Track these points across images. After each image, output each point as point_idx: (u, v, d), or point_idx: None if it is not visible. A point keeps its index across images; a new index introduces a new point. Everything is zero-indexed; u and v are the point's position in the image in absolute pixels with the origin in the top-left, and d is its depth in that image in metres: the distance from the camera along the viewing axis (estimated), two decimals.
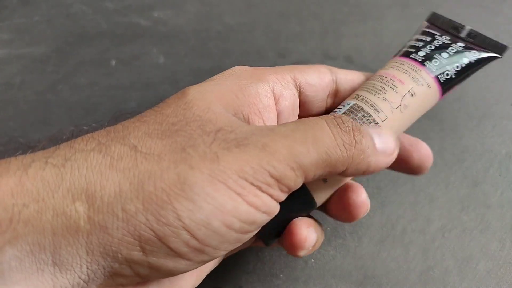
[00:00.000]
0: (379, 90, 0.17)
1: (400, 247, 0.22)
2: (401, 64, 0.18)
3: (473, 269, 0.21)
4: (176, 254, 0.12)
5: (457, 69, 0.18)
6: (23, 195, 0.11)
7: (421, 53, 0.18)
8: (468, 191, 0.24)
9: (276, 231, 0.17)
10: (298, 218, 0.17)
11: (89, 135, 0.13)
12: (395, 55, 0.19)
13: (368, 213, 0.23)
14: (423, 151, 0.18)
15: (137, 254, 0.12)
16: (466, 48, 0.18)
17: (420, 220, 0.23)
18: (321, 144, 0.13)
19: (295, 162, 0.13)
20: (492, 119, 0.27)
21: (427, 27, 0.20)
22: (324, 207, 0.18)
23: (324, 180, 0.17)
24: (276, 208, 0.14)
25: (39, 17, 0.33)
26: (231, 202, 0.12)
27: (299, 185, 0.14)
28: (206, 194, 0.12)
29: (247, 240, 0.14)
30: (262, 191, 0.13)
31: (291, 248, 0.16)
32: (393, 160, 0.16)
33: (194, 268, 0.13)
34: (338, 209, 0.17)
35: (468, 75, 0.18)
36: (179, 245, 0.12)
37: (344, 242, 0.22)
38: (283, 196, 0.14)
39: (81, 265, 0.12)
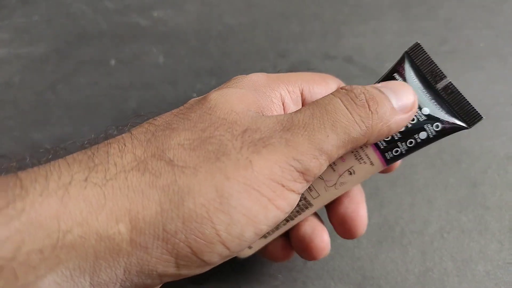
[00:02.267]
0: None
1: (398, 248, 0.22)
2: None
3: (472, 270, 0.21)
4: (206, 264, 0.13)
5: (410, 145, 0.16)
6: (66, 218, 0.11)
7: None
8: (466, 192, 0.24)
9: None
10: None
11: (120, 142, 0.13)
12: None
13: (367, 214, 0.23)
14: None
15: (171, 270, 0.12)
16: (430, 118, 0.15)
17: (419, 222, 0.23)
18: (339, 125, 0.14)
19: (317, 150, 0.13)
20: (491, 120, 0.27)
21: (399, 71, 0.16)
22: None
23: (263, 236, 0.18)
24: (295, 204, 0.14)
25: (38, 16, 0.33)
26: (263, 211, 0.13)
27: (324, 169, 0.14)
28: (242, 206, 0.12)
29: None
30: (290, 189, 0.13)
31: (316, 255, 0.18)
32: (414, 113, 0.15)
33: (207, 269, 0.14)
34: (299, 247, 0.18)
35: (421, 147, 0.16)
36: (212, 257, 0.13)
37: (342, 243, 0.22)
38: (305, 187, 0.14)
39: (115, 284, 0.12)
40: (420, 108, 0.16)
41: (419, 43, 0.16)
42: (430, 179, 0.25)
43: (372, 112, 0.14)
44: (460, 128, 0.16)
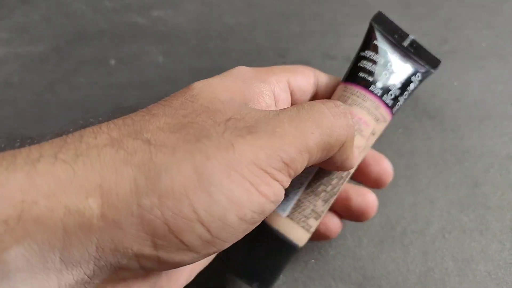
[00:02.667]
0: None
1: (400, 248, 0.22)
2: (363, 100, 0.18)
3: (473, 270, 0.21)
4: (187, 247, 0.12)
5: (405, 97, 0.19)
6: (32, 191, 0.11)
7: (379, 85, 0.18)
8: (468, 192, 0.24)
9: (268, 282, 0.18)
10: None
11: (96, 127, 0.13)
12: (352, 80, 0.19)
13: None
14: (383, 166, 0.20)
15: (148, 250, 0.12)
16: (413, 72, 0.19)
17: (420, 221, 0.23)
18: (323, 125, 0.14)
19: (302, 145, 0.13)
20: (493, 120, 0.27)
21: (375, 37, 0.19)
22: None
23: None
24: (282, 197, 0.14)
25: (38, 16, 0.33)
26: (246, 194, 0.12)
27: (303, 167, 0.14)
28: (222, 186, 0.12)
29: (250, 230, 0.14)
30: (274, 178, 0.13)
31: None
32: (355, 165, 0.18)
33: (198, 260, 0.13)
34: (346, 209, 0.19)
35: (408, 99, 0.19)
36: (192, 238, 0.12)
37: (344, 243, 0.22)
38: (288, 182, 0.14)
39: (88, 262, 0.11)
40: (405, 63, 0.19)
41: (380, 11, 0.20)
42: (432, 179, 0.24)
43: (349, 124, 0.15)
44: (429, 73, 0.20)
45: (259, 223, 0.14)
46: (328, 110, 0.14)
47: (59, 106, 0.28)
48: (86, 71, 0.30)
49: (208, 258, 0.17)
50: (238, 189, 0.12)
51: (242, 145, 0.12)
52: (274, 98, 0.17)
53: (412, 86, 0.19)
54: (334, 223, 0.20)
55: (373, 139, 0.19)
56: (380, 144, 0.26)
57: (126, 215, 0.11)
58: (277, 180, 0.13)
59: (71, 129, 0.13)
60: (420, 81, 0.19)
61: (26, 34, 0.32)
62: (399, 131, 0.27)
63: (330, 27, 0.32)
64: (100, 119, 0.14)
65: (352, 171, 0.19)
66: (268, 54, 0.31)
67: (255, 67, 0.17)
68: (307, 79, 0.19)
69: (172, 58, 0.30)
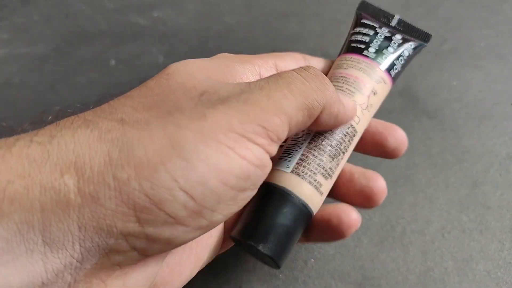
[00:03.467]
0: (348, 93, 0.18)
1: (399, 248, 0.22)
2: (357, 63, 0.19)
3: (472, 270, 0.21)
4: (173, 219, 0.12)
5: (402, 63, 0.20)
6: (6, 172, 0.11)
7: (372, 50, 0.19)
8: (468, 191, 0.24)
9: (283, 251, 0.16)
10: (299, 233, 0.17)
11: (74, 115, 0.13)
12: (345, 52, 0.20)
13: (368, 213, 0.23)
14: (397, 135, 0.19)
15: (132, 226, 0.11)
16: (404, 40, 0.20)
17: (420, 221, 0.23)
18: (296, 88, 0.14)
19: (276, 108, 0.13)
20: (492, 120, 0.27)
21: (364, 17, 0.21)
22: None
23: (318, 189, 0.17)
24: (268, 162, 0.14)
25: (38, 16, 0.33)
26: (225, 158, 0.12)
27: (285, 131, 0.14)
28: (199, 152, 0.12)
29: (243, 201, 0.13)
30: (253, 142, 0.13)
31: (346, 231, 0.17)
32: (353, 116, 0.17)
33: (193, 237, 0.13)
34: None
35: (406, 66, 0.20)
36: (176, 208, 0.11)
37: (343, 242, 0.22)
38: (274, 147, 0.14)
39: (73, 243, 0.11)
40: (394, 35, 0.20)
41: (364, 0, 0.22)
42: (432, 179, 0.25)
43: (327, 85, 0.15)
44: (422, 46, 0.20)
45: (252, 190, 0.13)
46: (298, 74, 0.15)
47: (59, 106, 0.28)
48: (86, 71, 0.30)
49: (210, 251, 0.17)
50: (216, 154, 0.12)
51: (214, 114, 0.12)
52: (260, 78, 0.17)
53: (406, 52, 0.20)
54: (348, 215, 0.17)
55: (376, 99, 0.19)
56: None
57: (103, 188, 0.11)
58: (256, 144, 0.13)
59: (49, 117, 0.13)
60: (414, 50, 0.20)
61: (26, 34, 0.32)
62: None
63: (330, 27, 0.32)
64: (91, 106, 0.14)
65: (358, 128, 0.18)
66: None
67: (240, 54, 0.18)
68: (296, 61, 0.19)
69: (172, 58, 0.30)
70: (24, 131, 0.12)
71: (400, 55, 0.19)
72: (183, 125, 0.12)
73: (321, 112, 0.15)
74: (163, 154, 0.11)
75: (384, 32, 0.20)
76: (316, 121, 0.15)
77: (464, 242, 0.22)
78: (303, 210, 0.16)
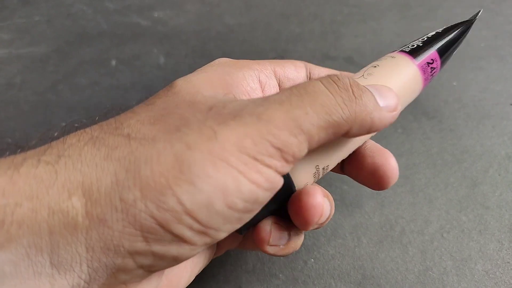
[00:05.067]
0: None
1: (399, 247, 0.22)
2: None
3: (471, 269, 0.22)
4: (180, 239, 0.12)
5: (423, 39, 0.18)
6: (15, 194, 0.11)
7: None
8: (467, 191, 0.24)
9: (250, 221, 0.14)
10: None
11: (81, 131, 0.13)
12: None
13: (368, 213, 0.23)
14: (391, 166, 0.17)
15: (140, 245, 0.11)
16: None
17: (419, 221, 0.23)
18: (320, 104, 0.13)
19: (295, 127, 0.12)
20: (491, 120, 0.27)
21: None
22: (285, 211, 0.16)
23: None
24: (279, 183, 0.13)
25: (39, 17, 0.33)
26: (233, 182, 0.11)
27: (304, 151, 0.13)
28: (207, 176, 0.11)
29: (247, 218, 0.13)
30: (265, 164, 0.12)
31: (258, 242, 0.15)
32: (396, 116, 0.15)
33: (197, 253, 0.13)
34: (292, 212, 0.16)
35: (442, 41, 0.18)
36: (182, 230, 0.11)
37: (343, 242, 0.23)
38: (288, 168, 0.13)
39: (81, 264, 0.11)
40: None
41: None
42: (431, 179, 0.25)
43: (356, 97, 0.13)
44: (463, 24, 0.19)
45: (256, 212, 0.13)
46: (325, 87, 0.13)
47: (60, 106, 0.28)
48: (87, 71, 0.30)
49: (206, 258, 0.17)
50: (224, 178, 0.11)
51: (225, 131, 0.12)
52: (260, 83, 0.16)
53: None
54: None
55: (377, 71, 0.17)
56: (379, 143, 0.26)
57: (110, 211, 0.11)
58: (269, 166, 0.12)
59: (55, 133, 0.13)
60: (448, 30, 0.19)
61: (27, 35, 0.32)
62: (398, 131, 0.27)
63: (330, 28, 0.32)
64: (97, 118, 0.14)
65: None
66: (268, 55, 0.31)
67: (239, 59, 0.17)
68: (296, 69, 0.18)
69: (173, 58, 0.30)
70: (30, 148, 0.12)
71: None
72: (192, 145, 0.11)
73: (350, 127, 0.13)
74: (170, 177, 0.11)
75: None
76: (346, 134, 0.14)
77: (463, 242, 0.22)
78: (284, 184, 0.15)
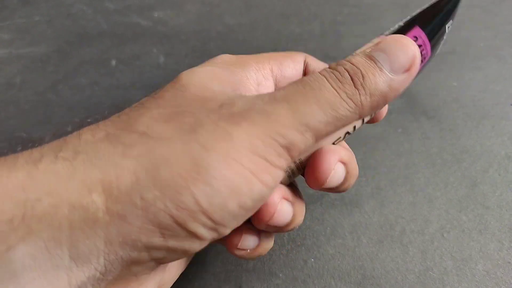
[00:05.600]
0: None
1: (399, 247, 0.22)
2: None
3: (472, 269, 0.22)
4: (193, 235, 0.12)
5: (406, 19, 0.17)
6: (35, 188, 0.11)
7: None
8: (467, 191, 0.24)
9: None
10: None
11: (93, 125, 0.13)
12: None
13: (368, 213, 0.23)
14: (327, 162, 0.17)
15: (157, 240, 0.12)
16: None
17: (419, 221, 0.23)
18: (326, 101, 0.13)
19: (302, 124, 0.13)
20: (491, 120, 0.27)
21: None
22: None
23: None
24: (280, 180, 0.14)
25: (39, 17, 0.33)
26: (246, 184, 0.12)
27: (311, 145, 0.13)
28: (222, 177, 0.12)
29: (250, 215, 0.14)
30: (274, 165, 0.13)
31: (226, 246, 0.16)
32: (416, 69, 0.14)
33: (204, 246, 0.13)
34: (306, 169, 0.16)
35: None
36: (197, 227, 0.12)
37: (343, 242, 0.23)
38: (291, 162, 0.13)
39: (98, 257, 0.11)
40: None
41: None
42: (431, 179, 0.25)
43: (358, 89, 0.13)
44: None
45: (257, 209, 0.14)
46: (330, 83, 0.13)
47: (61, 106, 0.28)
48: (87, 71, 0.30)
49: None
50: (239, 179, 0.12)
51: (239, 133, 0.12)
52: (258, 84, 0.17)
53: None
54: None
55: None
56: (379, 143, 0.26)
57: (130, 208, 0.11)
58: (277, 167, 0.13)
59: (69, 129, 0.13)
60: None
61: (27, 35, 0.32)
62: (398, 131, 0.27)
63: (330, 28, 0.32)
64: (97, 117, 0.14)
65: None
66: None
67: (238, 55, 0.17)
68: (294, 66, 0.18)
69: (173, 58, 0.30)
70: (45, 143, 0.13)
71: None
72: (208, 146, 0.12)
73: (359, 115, 0.14)
74: (188, 178, 0.12)
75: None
76: (359, 118, 0.14)
77: (463, 242, 0.22)
78: None
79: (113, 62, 0.30)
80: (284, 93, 0.13)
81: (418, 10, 0.17)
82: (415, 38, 0.16)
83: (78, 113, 0.28)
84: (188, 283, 0.20)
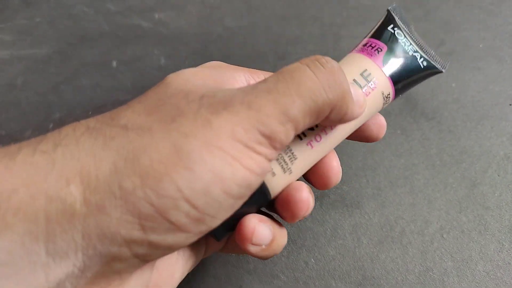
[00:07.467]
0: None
1: (399, 248, 0.22)
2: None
3: (471, 270, 0.22)
4: (176, 227, 0.12)
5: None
6: (11, 179, 0.10)
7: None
8: (466, 192, 0.24)
9: (227, 225, 0.15)
10: (252, 213, 0.16)
11: (75, 122, 0.13)
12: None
13: (368, 214, 0.24)
14: (378, 120, 0.18)
15: (136, 233, 0.11)
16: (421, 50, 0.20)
17: (419, 221, 0.23)
18: (305, 90, 0.13)
19: (283, 115, 0.13)
20: (490, 121, 0.27)
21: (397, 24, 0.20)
22: (273, 205, 0.17)
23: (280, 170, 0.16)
24: (268, 168, 0.14)
25: (41, 18, 0.33)
26: (229, 168, 0.12)
27: (291, 137, 0.13)
28: (204, 162, 0.12)
29: (239, 205, 0.13)
30: (256, 152, 0.13)
31: (240, 240, 0.15)
32: (362, 113, 0.16)
33: (192, 241, 0.13)
34: (281, 206, 0.16)
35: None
36: (179, 217, 0.12)
37: (343, 243, 0.23)
38: (275, 154, 0.13)
39: (76, 252, 0.11)
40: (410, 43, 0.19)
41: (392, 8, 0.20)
42: (430, 179, 0.25)
43: (338, 81, 0.14)
44: (437, 71, 0.20)
45: (248, 195, 0.13)
46: (311, 71, 0.14)
47: (62, 107, 0.28)
48: (89, 73, 0.30)
49: (197, 254, 0.17)
50: (221, 164, 0.12)
51: (218, 120, 0.12)
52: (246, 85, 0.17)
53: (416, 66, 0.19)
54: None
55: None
56: (378, 145, 0.26)
57: (109, 198, 0.11)
58: (260, 154, 0.13)
59: (50, 126, 0.13)
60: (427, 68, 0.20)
61: (29, 36, 0.32)
62: (397, 132, 0.27)
63: (329, 30, 0.32)
64: (90, 113, 0.14)
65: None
66: (268, 57, 0.31)
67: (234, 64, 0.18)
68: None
69: (174, 60, 0.30)
70: (25, 139, 0.12)
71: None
72: (188, 133, 0.12)
73: (330, 111, 0.14)
74: (169, 164, 0.11)
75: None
76: (325, 119, 0.14)
77: (463, 243, 0.22)
78: (261, 191, 0.15)
79: (114, 64, 0.30)
80: (266, 84, 0.13)
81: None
82: (367, 43, 0.19)
83: (80, 114, 0.28)
84: (188, 285, 0.20)
